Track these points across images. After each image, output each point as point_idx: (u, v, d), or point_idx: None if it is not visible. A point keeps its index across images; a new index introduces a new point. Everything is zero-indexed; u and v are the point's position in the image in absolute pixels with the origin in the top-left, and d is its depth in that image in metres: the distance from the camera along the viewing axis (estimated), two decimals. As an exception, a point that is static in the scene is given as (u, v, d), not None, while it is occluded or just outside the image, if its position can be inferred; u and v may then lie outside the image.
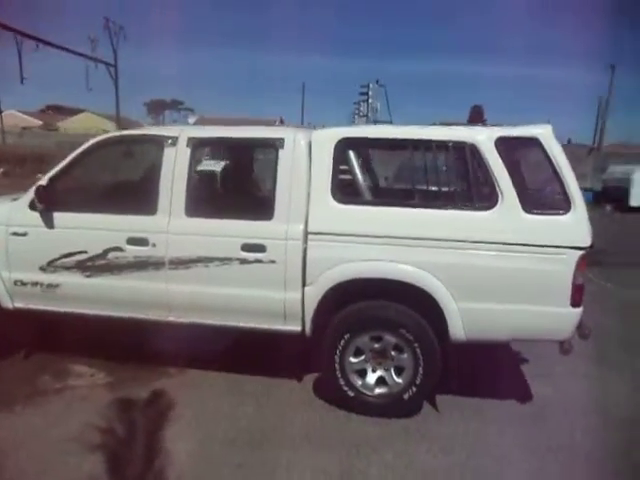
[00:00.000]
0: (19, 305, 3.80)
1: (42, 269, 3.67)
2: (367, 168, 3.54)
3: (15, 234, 3.67)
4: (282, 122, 40.78)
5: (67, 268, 3.63)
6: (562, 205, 3.11)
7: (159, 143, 3.59)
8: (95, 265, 3.58)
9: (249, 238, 3.36)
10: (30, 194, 3.69)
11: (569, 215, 3.09)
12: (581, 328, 3.21)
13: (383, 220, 3.25)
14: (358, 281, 3.26)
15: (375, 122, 24.90)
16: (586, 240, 3.07)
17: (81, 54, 26.91)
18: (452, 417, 3.42)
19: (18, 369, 3.89)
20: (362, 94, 23.89)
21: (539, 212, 3.13)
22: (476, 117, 59.47)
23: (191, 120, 37.75)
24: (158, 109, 58.30)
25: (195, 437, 3.09)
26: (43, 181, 3.65)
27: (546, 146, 3.15)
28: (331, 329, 3.35)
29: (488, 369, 4.15)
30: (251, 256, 3.36)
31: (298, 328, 3.44)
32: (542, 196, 3.41)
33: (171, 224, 3.46)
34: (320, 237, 3.29)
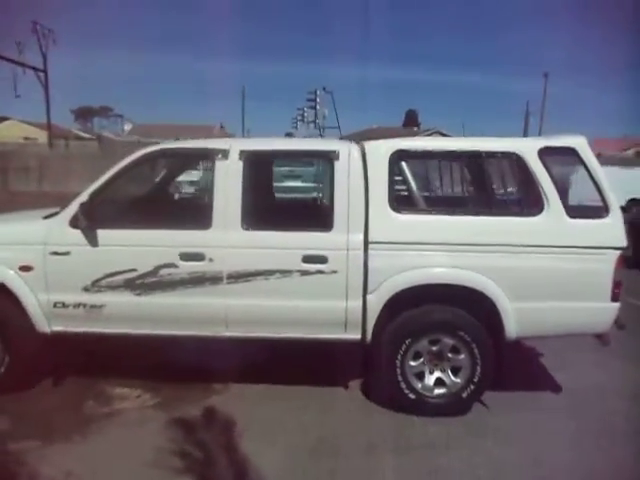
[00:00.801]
0: (57, 328, 3.61)
1: (86, 289, 3.52)
2: (420, 178, 3.70)
3: (55, 254, 3.50)
4: (222, 128, 40.31)
5: (114, 287, 3.50)
6: (600, 210, 3.42)
7: (209, 156, 3.57)
8: (145, 283, 3.48)
9: (310, 249, 3.41)
10: (69, 211, 3.53)
11: (607, 218, 3.40)
12: (618, 321, 3.53)
13: (440, 228, 3.41)
14: (419, 287, 3.40)
15: (323, 129, 25.25)
16: (622, 241, 3.39)
17: (8, 59, 25.28)
18: (501, 410, 3.63)
19: (56, 396, 3.69)
20: (309, 100, 24.16)
21: (581, 216, 3.42)
22: (410, 121, 61.03)
23: (127, 127, 36.37)
24: (86, 116, 55.68)
25: (276, 449, 3.10)
26: (84, 197, 3.51)
27: (583, 155, 3.45)
28: (392, 334, 3.47)
29: (511, 363, 4.43)
30: (313, 267, 3.41)
31: (358, 336, 3.53)
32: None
33: (228, 238, 3.44)
34: (381, 246, 3.40)
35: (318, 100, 23.54)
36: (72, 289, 3.52)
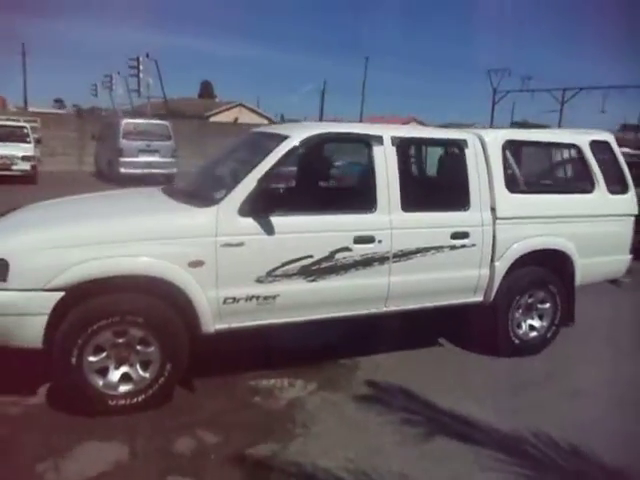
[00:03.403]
0: (221, 326, 3.32)
1: (259, 281, 3.32)
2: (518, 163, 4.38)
3: (228, 245, 3.21)
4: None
5: (289, 276, 3.39)
6: (624, 187, 4.67)
7: (367, 142, 3.67)
8: (321, 268, 3.47)
9: (457, 227, 3.88)
10: (235, 198, 3.26)
11: (628, 194, 4.67)
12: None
13: (539, 204, 4.23)
14: (530, 253, 4.18)
15: (149, 98, 23.41)
16: (636, 209, 4.71)
17: None
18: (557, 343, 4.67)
19: (215, 397, 3.42)
20: (132, 67, 21.89)
21: (615, 192, 4.61)
22: (206, 93, 59.65)
23: None
24: None
25: (474, 403, 3.54)
26: (251, 183, 3.28)
27: (613, 147, 4.64)
28: (507, 293, 4.18)
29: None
30: (459, 242, 3.88)
31: (481, 298, 4.16)
32: None
33: (393, 220, 3.65)
34: (504, 221, 4.06)
35: (141, 68, 21.61)
36: (244, 282, 3.29)
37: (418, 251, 3.76)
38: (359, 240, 3.55)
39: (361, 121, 30.48)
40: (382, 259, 3.65)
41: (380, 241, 3.62)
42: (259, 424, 3.17)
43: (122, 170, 14.22)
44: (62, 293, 2.91)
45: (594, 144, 4.56)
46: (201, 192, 3.56)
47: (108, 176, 14.88)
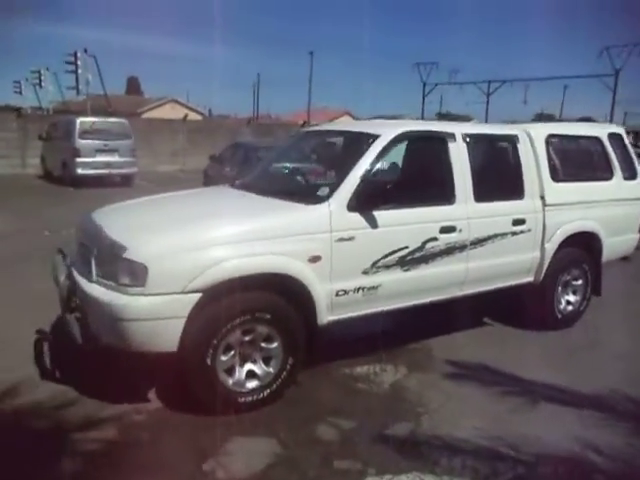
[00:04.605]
0: (332, 318, 3.46)
1: (365, 272, 3.49)
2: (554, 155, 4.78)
3: (341, 240, 3.35)
4: None
5: (389, 266, 3.58)
6: (633, 174, 5.26)
7: (443, 139, 3.92)
8: (414, 258, 3.69)
9: (517, 214, 4.24)
10: (343, 194, 3.41)
11: (636, 180, 5.27)
12: (634, 246, 5.51)
13: (575, 191, 4.69)
14: (571, 235, 4.63)
15: (87, 95, 22.21)
16: (644, 193, 5.33)
17: None
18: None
19: (325, 387, 3.57)
20: (69, 63, 20.53)
21: (628, 179, 5.18)
22: (133, 89, 57.27)
23: None
24: None
25: (534, 369, 3.94)
26: (355, 180, 3.44)
27: (625, 139, 5.21)
28: (553, 272, 4.61)
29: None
30: (518, 228, 4.25)
31: (532, 278, 4.56)
32: None
33: (469, 210, 3.94)
34: (551, 208, 4.47)
35: (79, 64, 20.41)
36: (353, 274, 3.45)
37: (489, 238, 4.08)
38: (444, 230, 3.81)
39: (308, 117, 30.53)
40: (462, 247, 3.93)
41: (460, 230, 3.90)
42: (379, 407, 3.36)
43: (79, 171, 13.56)
44: (199, 295, 2.94)
45: (611, 136, 5.11)
46: (299, 190, 3.67)
47: (61, 178, 14.12)
